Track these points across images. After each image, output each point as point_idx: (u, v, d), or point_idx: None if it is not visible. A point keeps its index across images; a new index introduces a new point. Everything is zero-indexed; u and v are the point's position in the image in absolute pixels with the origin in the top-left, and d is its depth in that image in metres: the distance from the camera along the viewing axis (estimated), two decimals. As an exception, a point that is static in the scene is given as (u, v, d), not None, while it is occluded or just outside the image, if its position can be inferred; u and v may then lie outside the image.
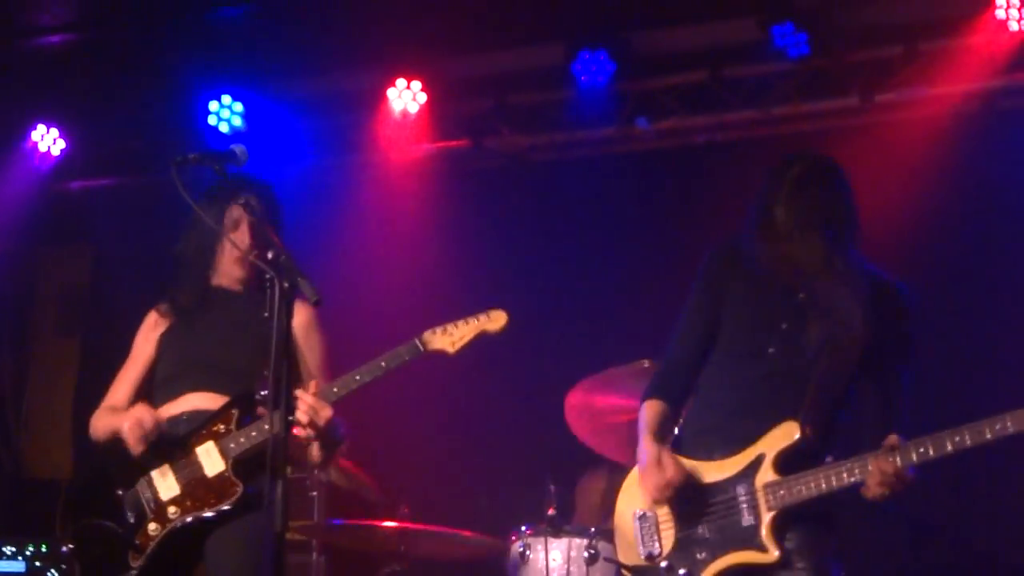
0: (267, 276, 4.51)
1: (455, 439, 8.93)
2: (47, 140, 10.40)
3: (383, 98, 9.46)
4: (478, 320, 5.07)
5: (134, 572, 4.96)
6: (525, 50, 9.49)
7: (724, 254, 5.03)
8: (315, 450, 5.09)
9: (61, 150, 10.43)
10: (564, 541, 6.79)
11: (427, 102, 9.43)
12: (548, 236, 9.17)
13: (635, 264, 8.98)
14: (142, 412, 5.14)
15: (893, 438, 4.57)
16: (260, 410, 5.07)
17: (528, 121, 9.50)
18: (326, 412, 4.90)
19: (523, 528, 7.01)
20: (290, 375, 4.62)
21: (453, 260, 8.96)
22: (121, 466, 5.13)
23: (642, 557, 4.85)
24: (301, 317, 5.26)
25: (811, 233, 4.78)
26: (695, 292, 5.08)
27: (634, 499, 4.97)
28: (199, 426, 5.11)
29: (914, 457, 4.52)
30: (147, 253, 10.16)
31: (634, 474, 5.00)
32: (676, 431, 5.10)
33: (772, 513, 4.67)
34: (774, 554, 4.64)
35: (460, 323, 5.06)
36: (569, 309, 8.81)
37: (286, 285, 4.43)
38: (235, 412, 5.08)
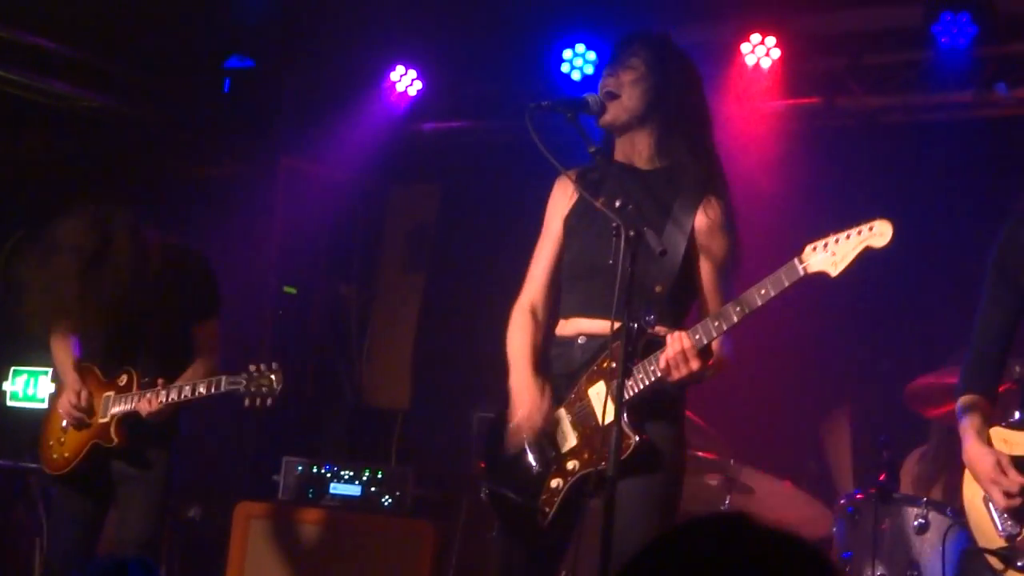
0: (613, 224, 4.60)
1: (787, 396, 8.83)
2: (404, 81, 10.64)
3: (736, 52, 9.35)
4: (860, 234, 4.40)
5: (546, 524, 4.81)
6: (882, 9, 9.27)
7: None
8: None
9: (418, 91, 10.65)
10: (894, 508, 6.71)
11: (780, 58, 9.29)
12: (897, 200, 8.95)
13: (988, 234, 8.67)
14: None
15: None
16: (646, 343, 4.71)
17: (881, 82, 9.26)
18: (687, 368, 4.61)
19: (854, 492, 6.96)
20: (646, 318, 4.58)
21: (800, 218, 8.84)
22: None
23: (1002, 538, 4.67)
24: (706, 216, 5.00)
25: None
26: (991, 272, 4.90)
27: (979, 489, 4.73)
28: (591, 359, 4.86)
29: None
30: (491, 196, 10.42)
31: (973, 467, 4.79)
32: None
33: None
34: None
35: (842, 237, 4.41)
36: (914, 278, 8.58)
37: (631, 234, 4.51)
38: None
